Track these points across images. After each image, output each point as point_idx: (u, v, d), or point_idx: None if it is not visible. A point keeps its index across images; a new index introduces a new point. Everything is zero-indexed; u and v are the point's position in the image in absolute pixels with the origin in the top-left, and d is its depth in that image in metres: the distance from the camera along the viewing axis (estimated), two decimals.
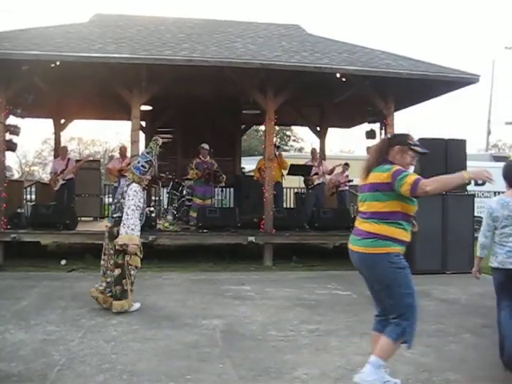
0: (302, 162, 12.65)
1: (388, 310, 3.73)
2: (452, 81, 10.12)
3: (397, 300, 3.67)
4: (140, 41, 10.01)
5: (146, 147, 13.90)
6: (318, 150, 13.12)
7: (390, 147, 3.72)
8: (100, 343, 4.80)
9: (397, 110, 11.00)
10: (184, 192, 11.76)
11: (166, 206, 12.37)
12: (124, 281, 5.92)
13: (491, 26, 78.34)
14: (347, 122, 15.14)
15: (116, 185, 11.55)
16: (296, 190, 13.95)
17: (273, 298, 6.91)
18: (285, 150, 37.14)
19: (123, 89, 9.63)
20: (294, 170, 11.85)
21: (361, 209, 3.80)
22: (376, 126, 10.93)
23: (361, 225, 3.72)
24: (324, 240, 11.10)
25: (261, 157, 12.22)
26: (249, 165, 15.58)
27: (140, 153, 6.18)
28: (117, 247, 5.84)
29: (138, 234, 5.88)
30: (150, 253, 9.66)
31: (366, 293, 6.57)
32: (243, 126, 15.77)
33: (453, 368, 4.35)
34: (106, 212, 15.01)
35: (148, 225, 10.10)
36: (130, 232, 5.77)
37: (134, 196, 5.85)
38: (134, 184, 5.96)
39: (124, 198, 5.91)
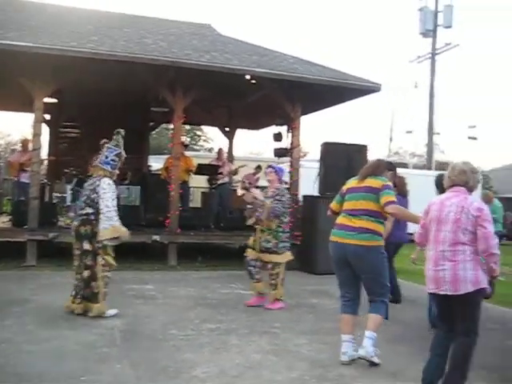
0: (208, 161, 12.67)
1: (372, 292, 4.66)
2: (356, 88, 10.52)
3: (382, 283, 4.65)
4: (45, 30, 9.60)
5: (50, 140, 13.54)
6: (225, 151, 13.19)
7: (388, 169, 5.01)
8: None
9: (304, 114, 11.27)
10: None
11: (69, 203, 11.95)
12: (94, 283, 5.71)
13: (397, 40, 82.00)
14: (256, 123, 15.32)
15: (16, 179, 11.07)
16: (203, 190, 13.91)
17: (175, 298, 6.88)
18: (195, 150, 37.06)
19: (25, 79, 9.20)
20: (201, 169, 11.83)
21: (349, 207, 4.65)
22: (283, 129, 11.15)
23: (352, 221, 4.55)
24: (229, 240, 11.15)
25: (169, 155, 12.09)
26: (158, 163, 15.36)
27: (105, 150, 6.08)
28: (85, 247, 5.71)
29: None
30: (51, 251, 9.34)
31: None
32: (152, 124, 15.55)
33: (346, 363, 4.53)
34: (5, 207, 14.27)
35: (48, 222, 9.77)
36: (115, 223, 5.65)
37: (109, 188, 5.73)
38: (105, 178, 5.81)
39: (97, 193, 5.73)
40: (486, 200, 11.01)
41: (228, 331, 5.40)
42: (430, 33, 25.02)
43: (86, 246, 5.71)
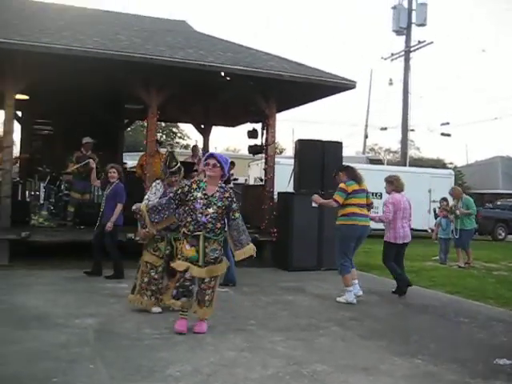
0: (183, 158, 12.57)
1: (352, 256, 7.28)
2: (332, 86, 10.55)
3: None
4: (17, 25, 9.45)
5: (22, 138, 13.32)
6: (200, 147, 13.13)
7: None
8: None
9: (279, 111, 11.28)
10: (62, 187, 11.31)
11: (42, 201, 11.81)
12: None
13: (369, 38, 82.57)
14: (231, 120, 15.29)
15: None
16: None
17: None
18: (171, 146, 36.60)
19: None
20: None
21: (360, 202, 7.08)
22: (258, 126, 11.14)
23: (363, 211, 7.11)
24: None
25: (143, 153, 11.99)
26: (134, 160, 15.23)
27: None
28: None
29: None
30: (24, 250, 9.21)
31: (243, 289, 6.76)
32: (126, 121, 15.42)
33: (321, 359, 4.55)
34: None
35: (21, 220, 9.64)
36: None
37: None
38: None
39: None
40: (455, 195, 11.20)
41: None
42: (404, 30, 25.21)
43: None
